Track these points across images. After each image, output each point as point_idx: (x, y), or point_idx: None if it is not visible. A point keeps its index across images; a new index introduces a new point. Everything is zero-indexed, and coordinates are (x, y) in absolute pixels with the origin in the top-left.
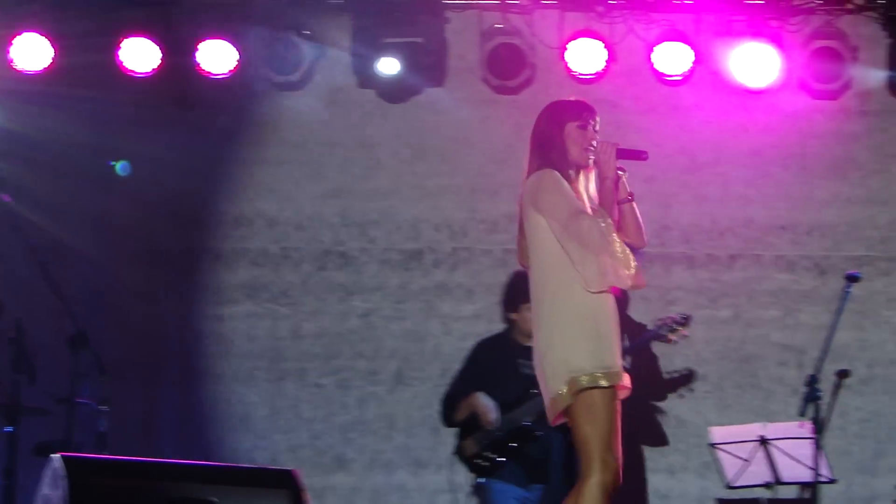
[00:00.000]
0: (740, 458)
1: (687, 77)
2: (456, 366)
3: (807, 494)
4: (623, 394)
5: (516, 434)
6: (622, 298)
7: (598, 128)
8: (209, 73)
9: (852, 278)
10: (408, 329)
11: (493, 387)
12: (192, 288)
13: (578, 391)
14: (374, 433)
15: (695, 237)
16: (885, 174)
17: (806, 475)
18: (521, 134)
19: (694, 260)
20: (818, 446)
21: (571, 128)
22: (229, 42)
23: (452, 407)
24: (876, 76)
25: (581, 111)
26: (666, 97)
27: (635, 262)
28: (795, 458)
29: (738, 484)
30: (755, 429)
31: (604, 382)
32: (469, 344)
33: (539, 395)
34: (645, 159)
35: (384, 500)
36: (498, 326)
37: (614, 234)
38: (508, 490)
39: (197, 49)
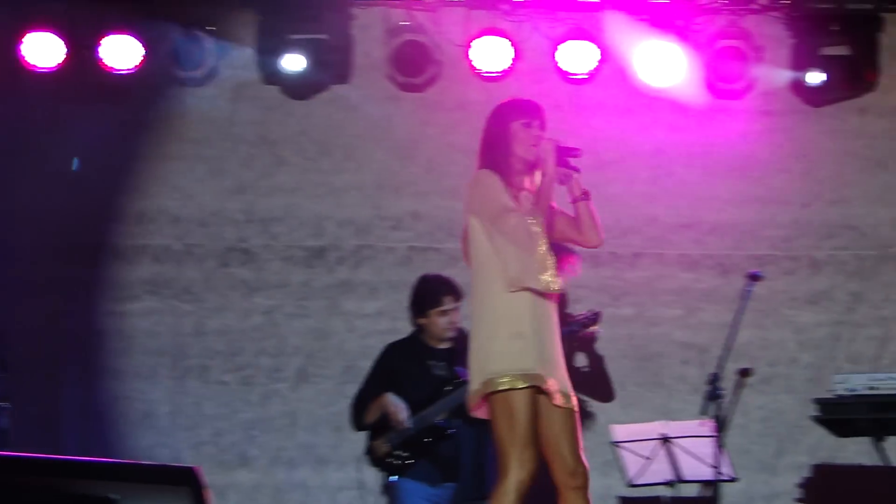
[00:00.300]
0: (642, 456)
1: (592, 75)
2: (360, 363)
3: (708, 492)
4: (559, 399)
5: (428, 432)
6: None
7: (544, 125)
8: (113, 68)
9: (754, 277)
10: (311, 326)
11: (403, 388)
12: (94, 284)
13: (494, 392)
14: (276, 430)
15: None
16: (787, 174)
17: (707, 473)
18: (427, 131)
19: (597, 258)
20: (720, 445)
21: (516, 126)
22: (133, 37)
23: (362, 409)
24: (780, 76)
25: (525, 109)
26: (571, 95)
27: (554, 269)
28: (697, 456)
29: (639, 482)
30: (657, 427)
31: (521, 384)
32: (373, 341)
33: (450, 393)
34: (578, 156)
35: (286, 497)
36: (401, 324)
37: (541, 237)
38: (419, 489)
39: (99, 45)
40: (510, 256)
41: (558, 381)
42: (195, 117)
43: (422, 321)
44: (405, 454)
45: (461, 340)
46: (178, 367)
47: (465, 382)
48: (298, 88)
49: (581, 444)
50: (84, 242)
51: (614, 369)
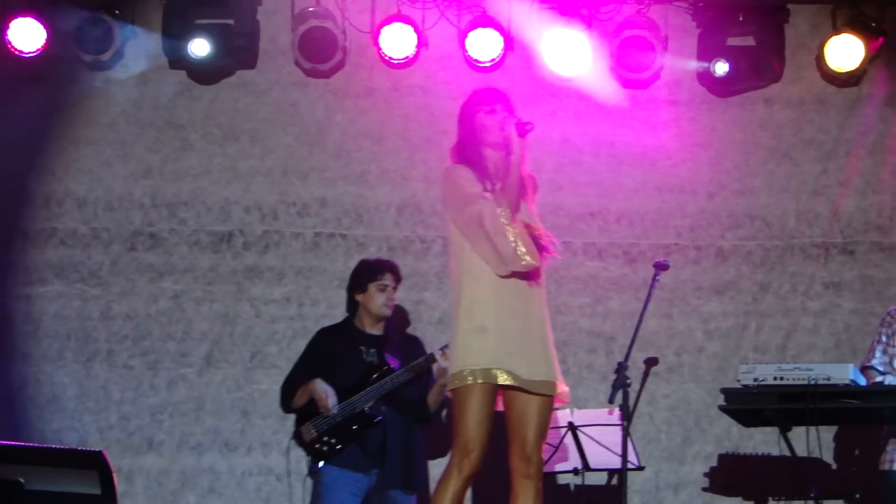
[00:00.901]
0: (549, 444)
1: (498, 63)
2: (267, 348)
3: (615, 481)
4: (533, 388)
5: (355, 420)
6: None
7: (509, 108)
8: (19, 51)
9: (660, 266)
10: (218, 311)
11: (333, 373)
12: (1, 267)
13: (458, 387)
14: (183, 415)
15: None
16: (693, 163)
17: (614, 462)
18: (333, 117)
19: None
20: (626, 433)
21: (481, 116)
22: (39, 20)
23: (292, 392)
24: (685, 66)
25: (486, 98)
26: (477, 83)
27: (525, 249)
28: (604, 444)
29: (546, 471)
30: (564, 415)
31: (480, 380)
32: (280, 327)
33: (378, 381)
34: (532, 129)
35: (193, 482)
36: (308, 309)
37: (505, 220)
38: (345, 476)
39: (8, 27)
40: (486, 243)
41: (535, 370)
42: (102, 101)
43: (359, 297)
44: (332, 440)
45: (392, 328)
46: (85, 350)
47: (393, 370)
48: (205, 73)
49: (546, 435)
50: None
51: None
